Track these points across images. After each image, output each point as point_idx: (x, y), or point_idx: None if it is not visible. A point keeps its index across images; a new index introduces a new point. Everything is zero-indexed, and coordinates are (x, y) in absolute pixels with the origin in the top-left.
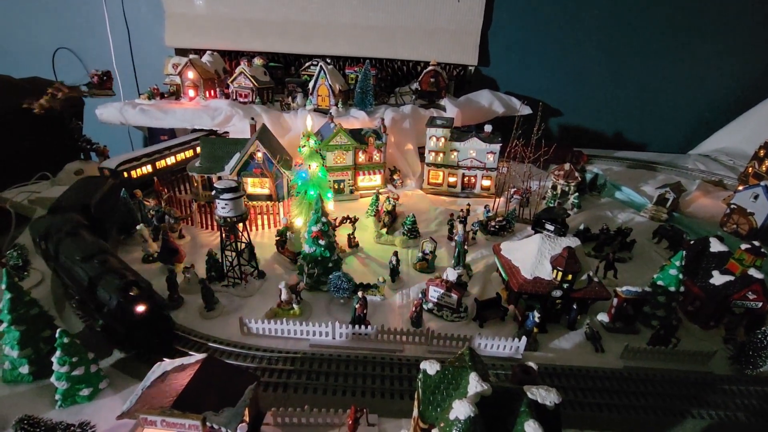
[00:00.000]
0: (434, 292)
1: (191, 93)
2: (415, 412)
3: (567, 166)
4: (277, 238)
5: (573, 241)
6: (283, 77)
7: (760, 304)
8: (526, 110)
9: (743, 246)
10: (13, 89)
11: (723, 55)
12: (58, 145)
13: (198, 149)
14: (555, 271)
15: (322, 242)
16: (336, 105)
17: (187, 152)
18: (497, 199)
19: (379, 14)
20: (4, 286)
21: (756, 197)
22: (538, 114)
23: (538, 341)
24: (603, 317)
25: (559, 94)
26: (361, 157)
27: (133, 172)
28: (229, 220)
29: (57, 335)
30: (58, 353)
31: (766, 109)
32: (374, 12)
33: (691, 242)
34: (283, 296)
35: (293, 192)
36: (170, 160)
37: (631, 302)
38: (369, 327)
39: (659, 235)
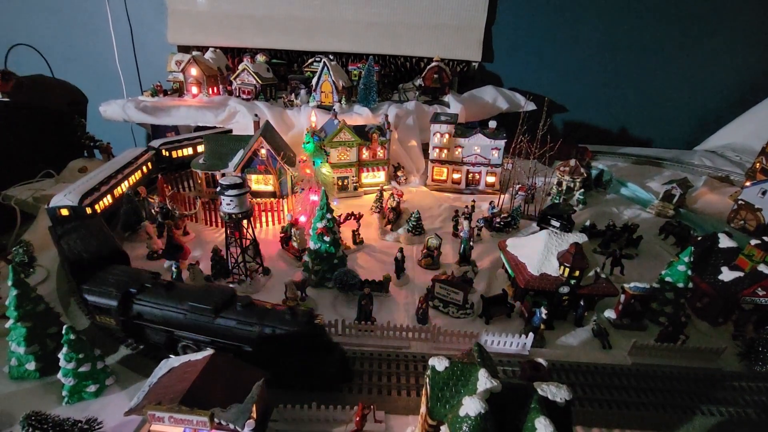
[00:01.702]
0: (440, 289)
1: (194, 90)
2: (423, 409)
3: (572, 162)
4: (282, 234)
5: (580, 237)
6: (286, 74)
7: None
8: (531, 106)
9: (753, 242)
10: (17, 87)
11: (729, 50)
12: (61, 143)
13: (145, 168)
14: (562, 267)
15: (327, 239)
16: (339, 101)
17: (136, 173)
18: (502, 196)
19: (382, 10)
20: (10, 283)
21: (764, 193)
22: (544, 110)
23: (545, 338)
24: (610, 314)
25: (564, 89)
26: (365, 154)
27: (96, 206)
28: (233, 216)
29: (63, 332)
30: (64, 350)
31: None
32: (377, 8)
33: (699, 238)
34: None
35: (297, 189)
36: (125, 185)
37: (639, 298)
38: (375, 323)
39: (666, 231)
